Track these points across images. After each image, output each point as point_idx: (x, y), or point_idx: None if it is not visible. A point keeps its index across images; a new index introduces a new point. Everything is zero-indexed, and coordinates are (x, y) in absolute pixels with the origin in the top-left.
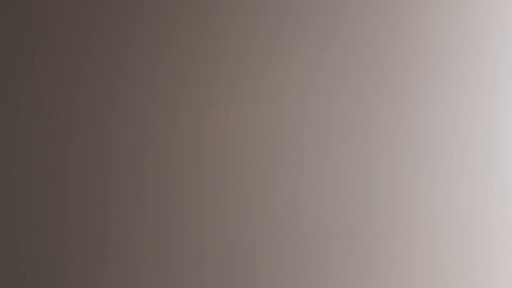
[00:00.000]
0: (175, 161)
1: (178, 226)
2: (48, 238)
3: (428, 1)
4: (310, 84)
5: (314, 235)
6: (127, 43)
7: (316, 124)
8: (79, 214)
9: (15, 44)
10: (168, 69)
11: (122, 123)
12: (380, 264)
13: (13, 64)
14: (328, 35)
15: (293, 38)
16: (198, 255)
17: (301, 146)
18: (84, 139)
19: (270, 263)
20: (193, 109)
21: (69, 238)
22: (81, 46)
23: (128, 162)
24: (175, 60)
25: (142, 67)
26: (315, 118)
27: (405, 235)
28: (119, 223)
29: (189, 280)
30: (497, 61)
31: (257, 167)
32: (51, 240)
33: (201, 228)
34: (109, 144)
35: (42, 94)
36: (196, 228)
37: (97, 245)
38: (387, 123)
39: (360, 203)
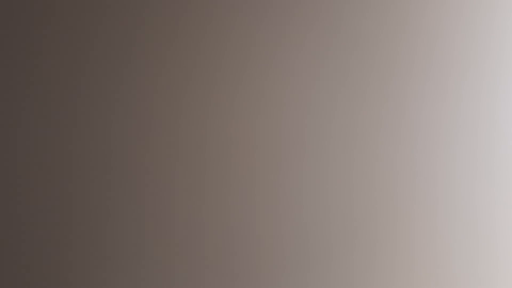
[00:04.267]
0: (176, 162)
1: (179, 226)
2: (48, 238)
3: (429, 2)
4: (312, 84)
5: (316, 235)
6: (129, 42)
7: (318, 125)
8: (80, 214)
9: (15, 45)
10: (170, 69)
11: (124, 122)
12: (382, 265)
13: (13, 65)
14: (330, 36)
15: (295, 38)
16: (199, 255)
17: (303, 146)
18: (85, 139)
19: (272, 263)
20: (195, 110)
21: (70, 238)
22: (82, 47)
23: (129, 162)
24: (177, 60)
25: (143, 68)
26: (317, 119)
27: (407, 236)
28: (120, 223)
29: (190, 281)
30: (498, 62)
31: (259, 167)
32: (51, 240)
33: (202, 228)
34: (111, 144)
35: (42, 95)
36: (198, 229)
37: (97, 245)
38: (389, 123)
39: (362, 203)
